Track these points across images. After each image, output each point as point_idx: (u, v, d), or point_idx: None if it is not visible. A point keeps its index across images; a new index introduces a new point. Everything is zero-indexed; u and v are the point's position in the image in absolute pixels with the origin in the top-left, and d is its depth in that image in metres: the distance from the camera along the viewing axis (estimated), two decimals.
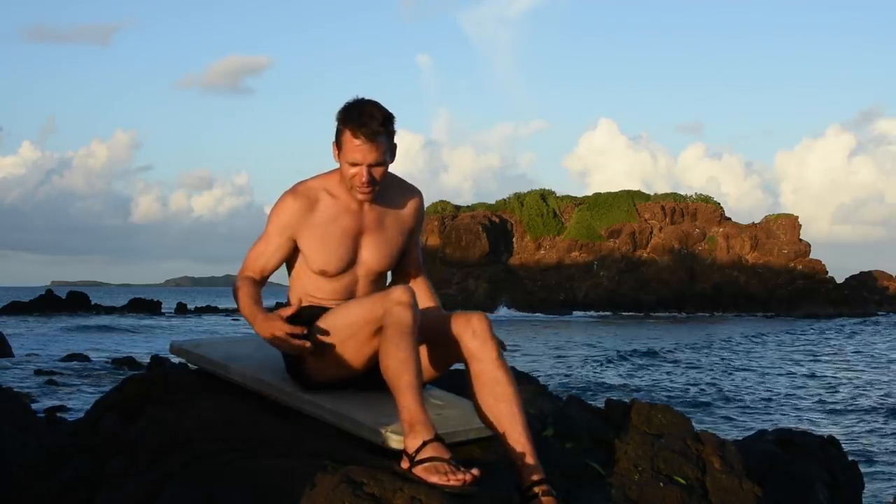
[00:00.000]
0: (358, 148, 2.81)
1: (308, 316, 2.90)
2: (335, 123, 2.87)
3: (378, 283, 3.05)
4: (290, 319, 2.91)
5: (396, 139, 2.89)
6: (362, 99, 2.86)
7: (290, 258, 3.02)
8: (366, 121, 2.79)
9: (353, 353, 2.80)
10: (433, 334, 2.85)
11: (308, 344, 2.78)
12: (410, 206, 3.07)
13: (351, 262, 2.97)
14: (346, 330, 2.78)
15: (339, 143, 2.86)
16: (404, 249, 3.08)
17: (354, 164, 2.84)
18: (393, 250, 3.03)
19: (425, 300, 3.14)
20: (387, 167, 2.89)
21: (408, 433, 2.53)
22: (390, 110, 2.87)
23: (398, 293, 2.68)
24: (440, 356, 2.89)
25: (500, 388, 2.68)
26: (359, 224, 2.96)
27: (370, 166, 2.83)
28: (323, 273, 2.95)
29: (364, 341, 2.76)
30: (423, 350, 2.91)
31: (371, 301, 2.75)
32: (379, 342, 2.68)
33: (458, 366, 2.89)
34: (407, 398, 2.56)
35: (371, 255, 2.99)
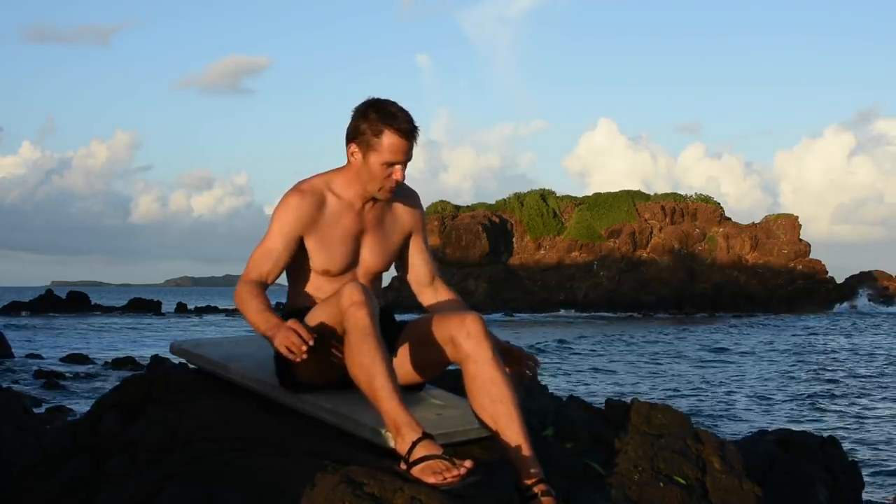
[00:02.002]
0: (402, 147, 2.83)
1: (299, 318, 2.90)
2: (361, 125, 2.83)
3: (376, 284, 3.05)
4: (291, 316, 2.93)
5: None
6: (383, 99, 2.87)
7: (291, 261, 3.01)
8: (405, 118, 2.83)
9: (330, 356, 2.79)
10: (427, 335, 2.83)
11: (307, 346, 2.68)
12: (407, 205, 3.07)
13: (353, 262, 2.97)
14: (318, 337, 2.77)
15: (369, 144, 2.83)
16: (401, 250, 3.09)
17: (392, 164, 2.84)
18: (391, 251, 3.04)
19: (446, 297, 3.12)
20: None
21: (395, 437, 2.53)
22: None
23: (348, 293, 2.65)
24: (435, 357, 2.86)
25: (496, 388, 2.66)
26: (360, 224, 2.96)
27: (404, 163, 2.87)
28: (326, 272, 2.95)
29: (336, 345, 2.74)
30: (418, 351, 2.91)
31: (328, 305, 2.73)
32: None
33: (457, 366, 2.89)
34: (385, 403, 2.54)
35: (371, 255, 2.99)
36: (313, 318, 2.80)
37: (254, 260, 2.93)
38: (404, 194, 3.06)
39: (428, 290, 3.13)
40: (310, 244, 2.94)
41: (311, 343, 2.65)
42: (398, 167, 2.85)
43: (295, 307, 3.01)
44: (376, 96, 2.89)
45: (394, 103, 2.86)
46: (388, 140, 2.81)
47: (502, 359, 2.75)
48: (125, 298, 57.92)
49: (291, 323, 2.69)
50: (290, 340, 2.64)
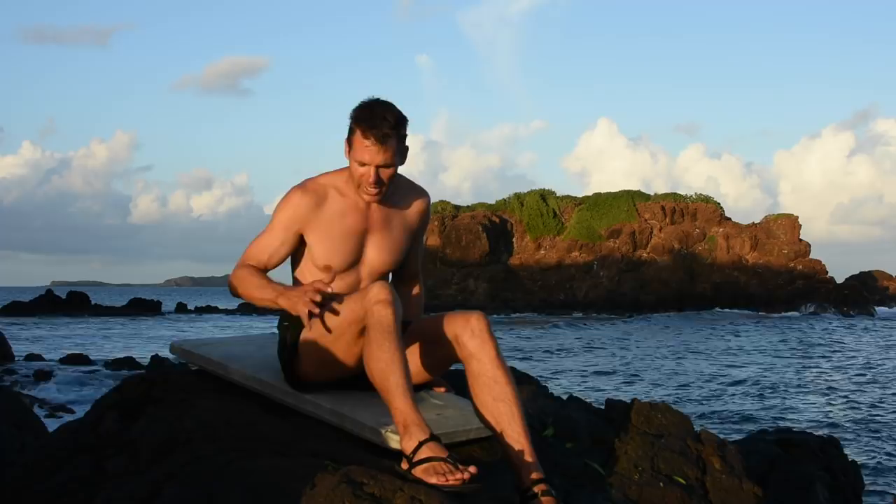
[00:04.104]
0: (367, 149, 2.82)
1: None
2: (348, 121, 2.87)
3: None
4: (293, 315, 2.94)
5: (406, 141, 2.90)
6: (377, 100, 2.86)
7: (294, 257, 3.03)
8: (377, 122, 2.80)
9: (342, 354, 2.81)
10: (431, 334, 2.85)
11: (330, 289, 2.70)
12: (417, 207, 3.07)
13: (356, 261, 2.97)
14: (333, 332, 2.78)
15: (350, 142, 2.87)
16: (408, 249, 3.09)
17: (363, 164, 2.84)
18: (398, 250, 3.04)
19: (411, 305, 3.16)
20: (395, 169, 2.89)
21: (403, 435, 2.53)
22: (403, 113, 2.87)
23: (376, 291, 2.66)
24: (439, 356, 2.89)
25: (498, 387, 2.68)
26: (365, 223, 2.97)
27: (378, 167, 2.84)
28: (327, 269, 2.95)
29: (351, 342, 2.75)
30: (422, 350, 2.92)
31: (351, 301, 2.74)
32: (363, 343, 2.68)
33: (458, 366, 2.89)
34: (397, 400, 2.55)
35: (376, 255, 2.99)
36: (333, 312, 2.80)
37: (250, 250, 2.96)
38: (415, 195, 3.07)
39: (401, 284, 3.18)
40: (311, 240, 2.95)
41: (328, 289, 2.70)
42: (368, 169, 2.84)
43: None
44: (376, 96, 2.89)
45: (384, 105, 2.84)
46: (357, 139, 2.83)
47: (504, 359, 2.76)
48: (125, 298, 57.83)
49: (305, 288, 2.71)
50: (307, 298, 2.68)
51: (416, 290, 3.20)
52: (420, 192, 3.08)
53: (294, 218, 2.93)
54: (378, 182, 2.85)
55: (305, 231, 2.94)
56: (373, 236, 2.98)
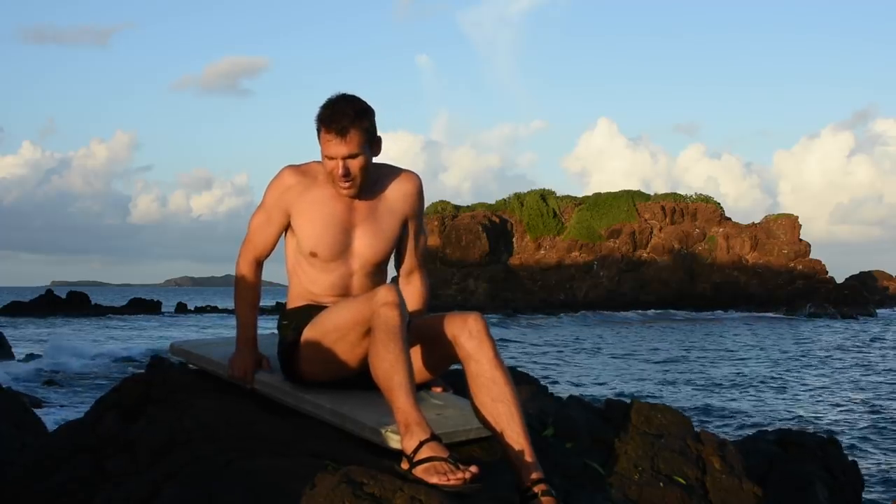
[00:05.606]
0: (330, 143, 2.86)
1: (306, 317, 2.91)
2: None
3: (376, 277, 3.05)
4: (292, 314, 2.98)
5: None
6: (339, 96, 2.91)
7: (288, 253, 3.05)
8: (336, 117, 2.84)
9: (345, 354, 2.82)
10: (429, 335, 2.85)
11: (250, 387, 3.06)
12: (404, 191, 3.06)
13: (344, 250, 2.97)
14: (336, 332, 2.79)
15: (318, 140, 2.91)
16: (400, 237, 3.09)
17: (331, 158, 2.89)
18: (388, 239, 3.04)
19: (413, 302, 3.15)
20: (366, 160, 2.91)
21: (404, 434, 2.54)
22: (369, 104, 2.91)
23: (383, 293, 2.68)
24: (437, 357, 2.89)
25: (497, 388, 2.68)
26: (352, 213, 2.98)
27: (345, 159, 2.87)
28: (314, 255, 2.96)
29: (355, 343, 2.76)
30: (420, 351, 2.92)
31: (358, 302, 2.75)
32: (368, 344, 2.69)
33: (458, 365, 2.89)
34: (400, 399, 2.56)
35: (365, 246, 2.99)
36: (339, 311, 2.81)
37: (252, 230, 3.07)
38: (400, 179, 3.07)
39: (402, 279, 3.20)
40: (297, 223, 2.98)
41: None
42: (336, 162, 2.88)
43: (294, 307, 3.04)
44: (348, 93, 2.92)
45: (343, 100, 2.88)
46: (322, 136, 2.89)
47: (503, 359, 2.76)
48: (125, 298, 57.79)
49: (250, 363, 3.06)
50: (239, 372, 3.05)
51: (418, 285, 3.19)
52: (406, 176, 3.08)
53: (281, 196, 2.98)
54: (347, 174, 2.89)
55: (292, 212, 2.98)
56: (360, 227, 2.99)
